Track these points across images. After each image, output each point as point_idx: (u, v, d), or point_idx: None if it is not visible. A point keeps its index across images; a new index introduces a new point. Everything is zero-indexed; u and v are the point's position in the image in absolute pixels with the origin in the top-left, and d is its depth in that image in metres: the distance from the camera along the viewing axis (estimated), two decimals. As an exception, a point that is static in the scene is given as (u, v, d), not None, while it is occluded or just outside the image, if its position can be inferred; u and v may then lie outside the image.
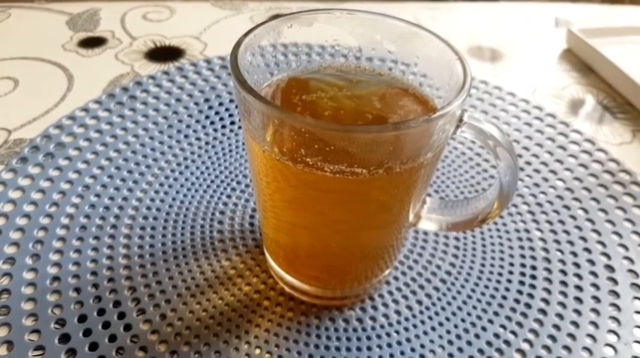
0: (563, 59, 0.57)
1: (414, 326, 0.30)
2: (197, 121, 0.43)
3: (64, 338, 0.28)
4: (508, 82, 0.51)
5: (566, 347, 0.30)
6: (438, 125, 0.22)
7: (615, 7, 0.71)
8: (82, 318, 0.29)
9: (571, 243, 0.36)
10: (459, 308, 0.31)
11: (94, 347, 0.28)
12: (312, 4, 0.64)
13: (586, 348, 0.30)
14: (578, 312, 0.32)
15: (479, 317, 0.31)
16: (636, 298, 0.32)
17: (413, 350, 0.29)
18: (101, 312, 0.29)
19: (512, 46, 0.59)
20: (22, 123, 0.42)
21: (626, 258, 0.35)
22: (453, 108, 0.22)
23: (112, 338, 0.28)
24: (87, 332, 0.28)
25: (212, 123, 0.43)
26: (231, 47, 0.25)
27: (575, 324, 0.31)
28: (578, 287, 0.33)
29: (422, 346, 0.29)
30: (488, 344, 0.30)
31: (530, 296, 0.32)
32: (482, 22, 0.64)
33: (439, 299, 0.32)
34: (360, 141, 0.22)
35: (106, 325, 0.29)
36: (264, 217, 0.30)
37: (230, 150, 0.41)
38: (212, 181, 0.38)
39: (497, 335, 0.30)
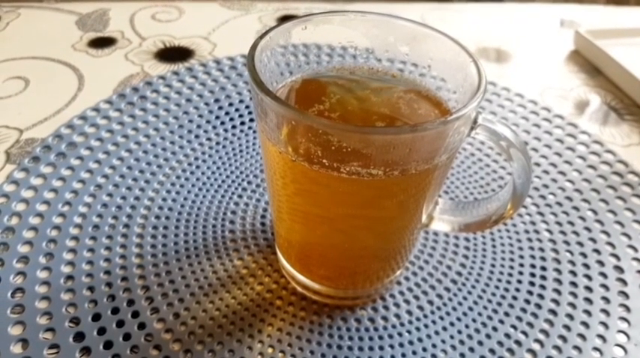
0: (571, 60, 0.57)
1: (426, 326, 0.30)
2: (207, 121, 0.43)
3: (79, 337, 0.28)
4: (515, 83, 0.51)
5: (577, 348, 0.30)
6: (454, 127, 0.22)
7: (620, 8, 0.71)
8: (96, 317, 0.29)
9: (580, 244, 0.36)
10: (470, 309, 0.31)
11: (108, 345, 0.28)
12: (319, 5, 0.64)
13: (596, 349, 0.30)
14: (588, 313, 0.32)
15: (490, 318, 0.31)
16: (646, 299, 0.33)
17: (425, 349, 0.29)
18: (115, 311, 0.30)
19: (518, 48, 0.59)
20: (34, 122, 0.42)
21: (635, 258, 0.35)
22: (469, 110, 0.22)
23: (127, 337, 0.28)
24: (101, 331, 0.29)
25: (222, 123, 0.43)
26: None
27: (586, 325, 0.31)
28: (588, 288, 0.33)
29: (433, 346, 0.29)
30: (500, 344, 0.30)
31: (541, 296, 0.32)
32: (488, 23, 0.64)
33: (450, 299, 0.32)
34: (378, 143, 0.22)
35: (120, 323, 0.29)
36: (277, 217, 0.30)
37: (240, 150, 0.41)
38: (223, 181, 0.38)
39: (508, 335, 0.30)
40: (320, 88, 0.29)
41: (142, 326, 0.29)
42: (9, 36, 0.54)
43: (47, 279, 0.31)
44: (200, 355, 0.28)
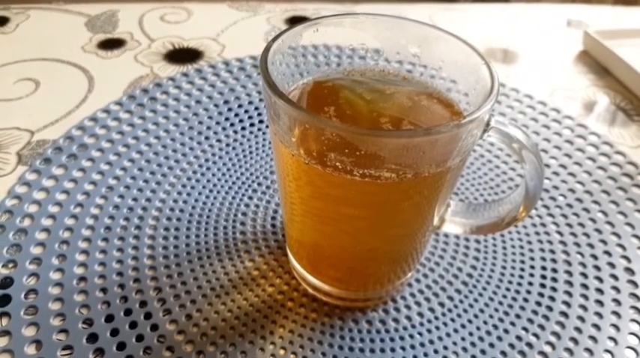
0: (580, 61, 0.57)
1: (437, 328, 0.30)
2: (217, 123, 0.44)
3: (92, 338, 0.29)
4: (523, 84, 0.51)
5: (588, 350, 0.30)
6: (468, 130, 0.22)
7: (629, 8, 0.71)
8: (109, 318, 0.29)
9: (591, 245, 0.36)
10: (481, 311, 0.31)
11: (121, 346, 0.28)
12: (327, 6, 0.64)
13: (608, 351, 0.30)
14: (599, 315, 0.32)
15: (501, 320, 0.31)
16: (657, 301, 0.33)
17: (436, 351, 0.29)
18: (128, 312, 0.30)
19: (526, 48, 0.59)
20: (45, 124, 0.43)
21: (647, 261, 0.35)
22: (482, 112, 0.22)
23: (139, 338, 0.29)
24: (114, 332, 0.29)
25: (232, 124, 0.44)
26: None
27: (597, 327, 0.31)
28: (599, 290, 0.33)
29: (445, 348, 0.29)
30: (511, 346, 0.30)
31: (552, 298, 0.32)
32: (495, 23, 0.64)
33: (461, 301, 0.32)
34: (391, 146, 0.22)
35: (133, 325, 0.29)
36: (289, 219, 0.30)
37: (250, 152, 0.41)
38: (233, 183, 0.38)
39: (519, 338, 0.30)
40: (332, 91, 0.29)
41: (154, 327, 0.29)
42: (18, 37, 0.54)
43: (60, 281, 0.31)
44: (212, 356, 0.28)
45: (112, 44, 0.54)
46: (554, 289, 0.33)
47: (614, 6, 0.75)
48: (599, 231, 0.37)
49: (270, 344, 0.29)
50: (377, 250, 0.29)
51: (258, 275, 0.32)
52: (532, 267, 0.34)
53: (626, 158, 0.43)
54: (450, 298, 0.32)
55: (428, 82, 0.29)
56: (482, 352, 0.29)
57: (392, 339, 0.30)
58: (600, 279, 0.34)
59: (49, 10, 0.59)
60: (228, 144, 0.42)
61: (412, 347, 0.29)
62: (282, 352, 0.29)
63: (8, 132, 0.42)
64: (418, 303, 0.32)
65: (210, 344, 0.29)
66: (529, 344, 0.30)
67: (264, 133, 0.43)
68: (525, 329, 0.31)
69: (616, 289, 0.33)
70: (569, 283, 0.33)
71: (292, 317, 0.30)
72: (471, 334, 0.30)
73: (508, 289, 0.33)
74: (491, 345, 0.30)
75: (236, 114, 0.45)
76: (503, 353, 0.29)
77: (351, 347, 0.29)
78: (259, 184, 0.38)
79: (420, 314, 0.31)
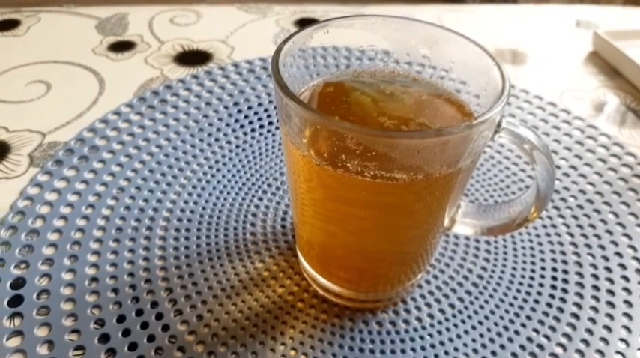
0: (590, 62, 0.57)
1: (447, 329, 0.30)
2: (227, 125, 0.44)
3: (104, 338, 0.29)
4: (532, 85, 0.51)
5: (599, 351, 0.30)
6: (479, 131, 0.22)
7: (638, 8, 0.70)
8: (121, 318, 0.30)
9: (602, 247, 0.36)
10: (492, 312, 0.31)
11: (133, 346, 0.28)
12: (336, 7, 0.64)
13: (619, 352, 0.30)
14: (610, 317, 0.32)
15: (512, 321, 0.31)
16: (669, 303, 0.32)
17: (447, 353, 0.29)
18: (139, 313, 0.30)
19: (534, 49, 0.59)
20: (56, 126, 0.43)
21: (658, 262, 0.35)
22: (494, 113, 0.22)
23: (151, 338, 0.29)
24: (126, 332, 0.29)
25: (242, 126, 0.44)
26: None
27: (608, 328, 0.31)
28: (610, 292, 0.33)
29: (455, 349, 0.29)
30: (522, 347, 0.30)
31: (563, 300, 0.32)
32: (504, 24, 0.64)
33: (471, 302, 0.32)
34: (403, 147, 0.22)
35: (145, 325, 0.29)
36: (300, 220, 0.30)
37: (260, 153, 0.41)
38: (243, 184, 0.38)
39: (530, 339, 0.30)
40: (342, 92, 0.29)
41: (165, 327, 0.29)
42: (30, 40, 0.55)
43: (72, 281, 0.31)
44: (223, 357, 0.28)
45: (122, 47, 0.54)
46: (565, 290, 0.33)
47: (624, 6, 0.75)
48: (610, 232, 0.37)
49: (281, 345, 0.29)
50: (387, 251, 0.29)
51: (268, 276, 0.33)
52: (543, 269, 0.34)
53: (637, 159, 0.43)
54: (461, 299, 0.32)
55: (438, 83, 0.29)
56: (493, 353, 0.29)
57: (402, 340, 0.30)
58: (611, 281, 0.34)
59: (60, 13, 0.60)
60: (238, 146, 0.42)
61: (422, 348, 0.29)
62: (292, 353, 0.29)
63: (20, 134, 0.42)
64: (428, 305, 0.32)
65: (221, 344, 0.29)
66: (540, 346, 0.30)
67: (273, 135, 0.43)
68: (536, 330, 0.31)
69: (627, 290, 0.33)
70: (580, 285, 0.33)
71: (302, 318, 0.30)
72: (481, 335, 0.30)
73: (519, 290, 0.33)
74: (502, 347, 0.30)
75: (246, 116, 0.45)
76: (514, 354, 0.29)
77: (361, 348, 0.29)
78: (269, 185, 0.39)
79: (431, 316, 0.31)
